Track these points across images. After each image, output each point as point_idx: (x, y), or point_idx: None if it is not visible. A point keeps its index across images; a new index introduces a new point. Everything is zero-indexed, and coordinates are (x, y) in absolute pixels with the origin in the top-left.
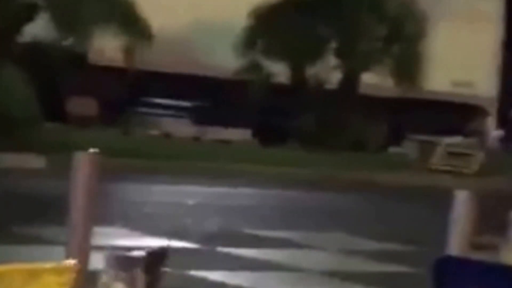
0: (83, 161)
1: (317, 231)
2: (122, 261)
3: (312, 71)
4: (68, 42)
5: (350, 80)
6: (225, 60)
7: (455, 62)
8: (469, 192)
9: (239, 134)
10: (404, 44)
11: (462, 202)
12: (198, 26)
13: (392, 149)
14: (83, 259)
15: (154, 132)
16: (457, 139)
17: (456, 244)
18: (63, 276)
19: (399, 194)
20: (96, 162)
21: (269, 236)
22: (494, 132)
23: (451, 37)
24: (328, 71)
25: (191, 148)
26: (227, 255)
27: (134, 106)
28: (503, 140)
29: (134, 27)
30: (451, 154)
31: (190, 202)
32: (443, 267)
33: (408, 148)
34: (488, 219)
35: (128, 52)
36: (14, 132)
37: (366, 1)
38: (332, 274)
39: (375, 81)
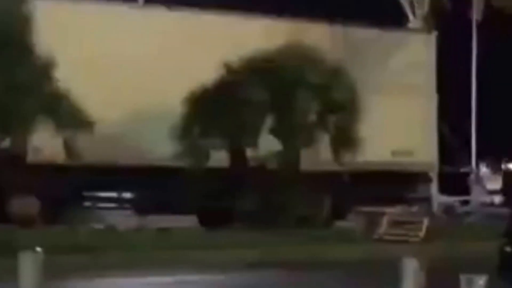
0: (27, 261)
1: None
2: None
3: (251, 151)
4: (5, 142)
5: (290, 158)
6: (164, 148)
7: (394, 133)
8: (417, 259)
9: (183, 221)
10: (340, 118)
11: (410, 269)
12: (137, 117)
13: (338, 223)
14: None
15: (99, 226)
16: (402, 208)
17: None
18: None
19: (350, 267)
20: (40, 261)
21: None
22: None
23: (388, 110)
24: (268, 150)
25: (136, 239)
26: None
27: (77, 202)
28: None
29: (74, 121)
30: (397, 223)
31: None
32: None
33: (354, 220)
34: (439, 285)
35: (68, 147)
36: None
37: (299, 78)
38: None
39: (316, 156)
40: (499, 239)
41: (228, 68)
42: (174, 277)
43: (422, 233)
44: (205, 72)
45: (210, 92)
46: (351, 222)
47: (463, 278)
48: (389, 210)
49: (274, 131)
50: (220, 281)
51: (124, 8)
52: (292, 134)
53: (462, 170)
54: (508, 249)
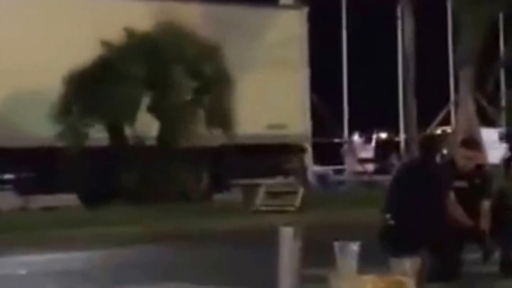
0: None
1: (152, 284)
2: None
3: (130, 129)
4: None
5: (167, 134)
6: (44, 129)
7: (269, 107)
8: (293, 228)
9: (67, 200)
10: (215, 94)
11: (287, 237)
12: (16, 97)
13: (218, 196)
14: None
15: None
16: (277, 179)
17: (286, 279)
18: None
19: (228, 239)
20: None
21: None
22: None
23: (262, 84)
24: (147, 128)
25: (19, 219)
26: None
27: None
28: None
29: None
30: (273, 194)
31: (22, 271)
32: None
33: (233, 193)
34: (314, 252)
35: None
36: None
37: (175, 56)
38: None
39: (194, 132)
40: (372, 206)
41: (106, 47)
42: (58, 255)
43: (297, 203)
44: (84, 52)
45: (88, 71)
46: (230, 195)
47: (336, 244)
48: (265, 181)
49: (152, 109)
50: (103, 256)
51: None
52: (170, 111)
53: (335, 140)
54: (391, 222)
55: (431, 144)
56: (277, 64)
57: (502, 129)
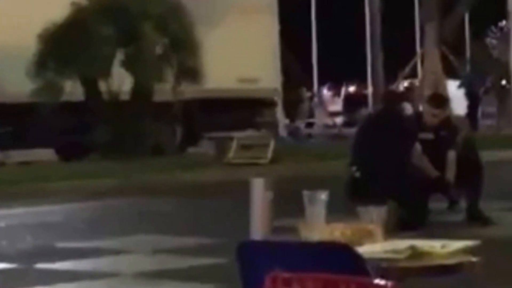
0: None
1: (126, 236)
2: None
3: (104, 85)
4: None
5: (141, 90)
6: (20, 85)
7: (239, 61)
8: (265, 179)
9: (43, 154)
10: (183, 49)
11: (258, 189)
12: None
13: (191, 149)
14: None
15: None
16: (249, 132)
17: (258, 229)
18: None
19: (201, 191)
20: None
21: (83, 247)
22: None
23: (233, 39)
24: (120, 84)
25: None
26: (45, 270)
27: None
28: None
29: None
30: (245, 147)
31: (1, 224)
32: (246, 252)
33: (205, 146)
34: (285, 203)
35: None
36: None
37: (144, 12)
38: (146, 274)
39: (165, 86)
40: (341, 158)
41: (75, 8)
42: (35, 208)
43: (269, 155)
44: (58, 10)
45: (62, 30)
46: (203, 148)
47: (305, 194)
48: (237, 134)
49: (124, 64)
50: (80, 209)
51: None
52: (142, 66)
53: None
54: (357, 174)
55: (393, 98)
56: (247, 19)
57: (462, 77)
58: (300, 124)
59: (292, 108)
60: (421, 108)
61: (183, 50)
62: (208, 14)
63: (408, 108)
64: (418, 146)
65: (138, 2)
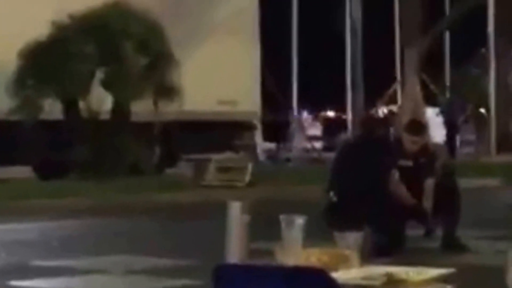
0: None
1: (102, 256)
2: None
3: (84, 103)
4: None
5: (121, 109)
6: (0, 102)
7: (219, 83)
8: (242, 202)
9: (21, 172)
10: (163, 69)
11: (235, 212)
12: None
13: (169, 170)
14: None
15: None
16: (227, 155)
17: (234, 252)
18: None
19: (178, 212)
20: None
21: (57, 265)
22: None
23: (213, 60)
24: (100, 103)
25: None
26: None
27: None
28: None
29: None
30: (223, 169)
31: None
32: (222, 274)
33: (183, 168)
34: (262, 226)
35: None
36: None
37: (124, 32)
38: None
39: (145, 107)
40: (319, 183)
41: (55, 27)
42: (11, 225)
43: (246, 178)
44: (39, 28)
45: (43, 47)
46: (181, 169)
47: (283, 218)
48: (215, 156)
49: (104, 83)
50: (56, 228)
51: None
52: (121, 85)
53: (285, 117)
54: (334, 199)
55: (373, 124)
56: (228, 40)
57: (442, 104)
58: (278, 147)
59: (271, 131)
60: (400, 135)
61: (163, 70)
62: (189, 35)
63: (389, 134)
64: (396, 173)
65: (120, 22)
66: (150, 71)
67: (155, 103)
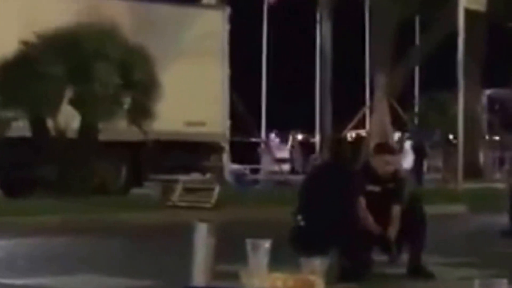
0: None
1: (68, 275)
2: None
3: (52, 122)
4: None
5: (89, 128)
6: None
7: (187, 104)
8: (208, 224)
9: None
10: (135, 90)
11: (202, 233)
12: None
13: (135, 190)
14: None
15: None
16: (195, 176)
17: (200, 274)
18: None
19: (144, 232)
20: None
21: (22, 284)
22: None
23: (182, 82)
24: (68, 121)
25: None
26: None
27: None
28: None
29: None
30: (190, 190)
31: None
32: None
33: (150, 188)
34: (228, 248)
35: None
36: None
37: (97, 52)
38: None
39: (113, 127)
40: (286, 205)
41: (24, 46)
42: None
43: (213, 200)
44: (6, 47)
45: (11, 64)
46: (147, 189)
47: (249, 242)
48: (183, 177)
49: (73, 102)
50: (20, 246)
51: None
52: (90, 105)
53: (253, 140)
54: (301, 223)
55: (341, 148)
56: (198, 63)
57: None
58: (246, 169)
59: (239, 153)
60: (369, 159)
61: (137, 91)
62: (158, 56)
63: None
64: (362, 201)
65: (92, 41)
66: (122, 92)
67: (128, 123)
